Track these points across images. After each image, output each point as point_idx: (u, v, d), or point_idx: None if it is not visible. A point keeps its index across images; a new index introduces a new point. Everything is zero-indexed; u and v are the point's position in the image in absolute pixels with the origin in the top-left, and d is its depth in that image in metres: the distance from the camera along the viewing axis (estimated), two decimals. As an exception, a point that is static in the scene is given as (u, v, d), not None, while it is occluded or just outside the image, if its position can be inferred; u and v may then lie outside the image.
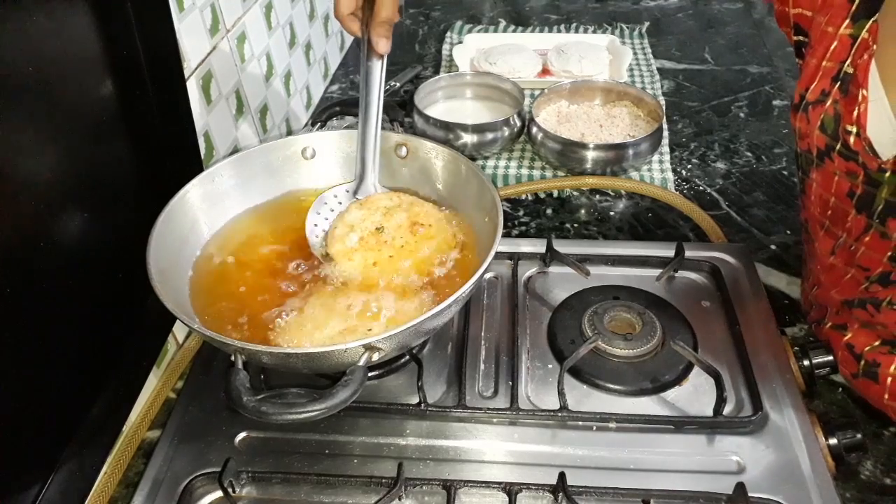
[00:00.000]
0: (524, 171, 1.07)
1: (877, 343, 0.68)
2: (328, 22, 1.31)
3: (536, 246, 0.87)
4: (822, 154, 0.67)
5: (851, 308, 0.70)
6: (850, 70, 0.63)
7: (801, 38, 0.73)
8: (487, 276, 0.85)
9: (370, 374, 0.73)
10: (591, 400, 0.71)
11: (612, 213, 1.01)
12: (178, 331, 0.80)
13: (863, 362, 0.68)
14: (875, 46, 0.61)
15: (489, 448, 0.68)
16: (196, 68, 0.82)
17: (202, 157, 0.83)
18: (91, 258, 0.66)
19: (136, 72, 0.69)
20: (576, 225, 0.99)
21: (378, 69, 0.73)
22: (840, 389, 0.74)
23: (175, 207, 0.71)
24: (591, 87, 1.15)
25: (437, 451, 0.67)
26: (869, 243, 0.65)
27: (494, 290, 0.84)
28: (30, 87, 0.57)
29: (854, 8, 0.63)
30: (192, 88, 0.81)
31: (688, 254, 0.84)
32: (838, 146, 0.64)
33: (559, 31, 1.45)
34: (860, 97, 0.61)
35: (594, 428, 0.69)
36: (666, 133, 1.12)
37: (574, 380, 0.73)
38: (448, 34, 1.46)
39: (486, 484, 0.64)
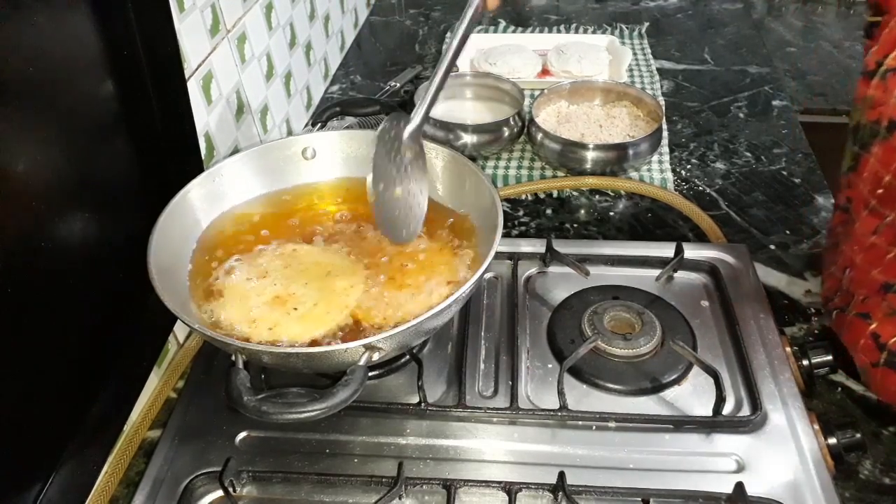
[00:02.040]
0: (524, 171, 1.07)
1: None
2: (328, 22, 1.31)
3: (536, 246, 0.87)
4: (895, 125, 0.65)
5: (888, 292, 0.69)
6: None
7: (877, 17, 0.71)
8: (487, 276, 0.85)
9: (370, 374, 0.73)
10: (590, 399, 0.72)
11: (611, 213, 1.01)
12: (179, 330, 0.80)
13: (886, 352, 0.67)
14: None
15: (489, 447, 0.68)
16: (196, 69, 0.82)
17: (203, 157, 0.83)
18: (92, 258, 0.66)
19: (136, 72, 0.69)
20: (576, 225, 0.99)
21: (468, 19, 0.67)
22: (839, 389, 0.74)
23: (176, 207, 0.71)
24: (590, 88, 1.15)
25: (437, 451, 0.67)
26: None
27: (494, 290, 0.84)
28: (30, 87, 0.57)
29: None
30: (193, 89, 0.81)
31: (687, 254, 0.84)
32: None
33: (559, 31, 1.45)
34: None
35: (594, 427, 0.69)
36: (665, 133, 1.12)
37: (574, 379, 0.73)
38: (448, 34, 1.46)
39: (486, 483, 0.64)
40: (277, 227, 0.78)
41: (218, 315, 0.67)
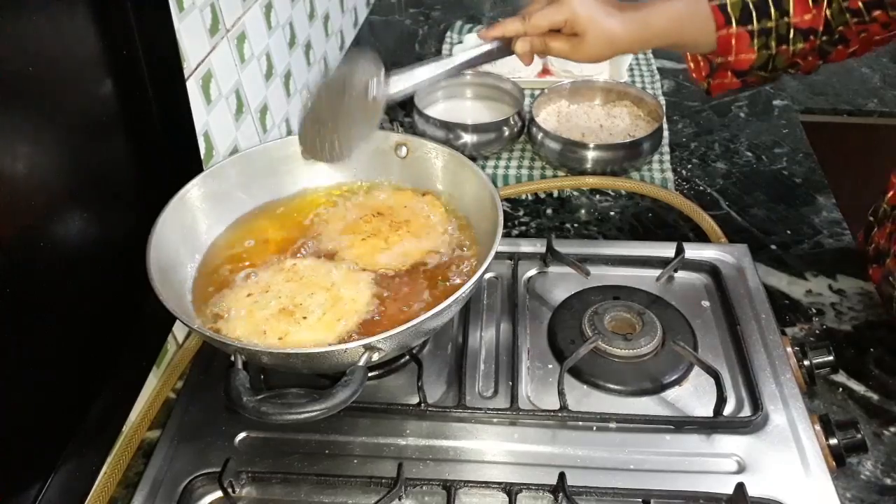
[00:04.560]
0: (524, 171, 1.07)
1: None
2: (328, 22, 1.31)
3: (536, 246, 0.87)
4: None
5: None
6: None
7: None
8: (487, 276, 0.85)
9: (370, 374, 0.73)
10: (591, 400, 0.71)
11: (612, 213, 1.01)
12: (178, 331, 0.80)
13: None
14: None
15: (489, 448, 0.68)
16: (196, 68, 0.82)
17: (202, 157, 0.82)
18: (91, 258, 0.66)
19: (135, 72, 0.69)
20: (576, 225, 0.99)
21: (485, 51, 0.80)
22: (840, 389, 0.74)
23: (175, 207, 0.71)
24: (591, 87, 1.15)
25: (437, 452, 0.67)
26: None
27: (494, 290, 0.84)
28: (30, 87, 0.57)
29: None
30: (192, 88, 0.80)
31: (688, 254, 0.84)
32: None
33: (559, 30, 1.45)
34: None
35: (594, 428, 0.69)
36: (666, 133, 1.12)
37: (574, 380, 0.73)
38: (448, 34, 1.46)
39: (486, 484, 0.64)
40: (275, 233, 0.78)
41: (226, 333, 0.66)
